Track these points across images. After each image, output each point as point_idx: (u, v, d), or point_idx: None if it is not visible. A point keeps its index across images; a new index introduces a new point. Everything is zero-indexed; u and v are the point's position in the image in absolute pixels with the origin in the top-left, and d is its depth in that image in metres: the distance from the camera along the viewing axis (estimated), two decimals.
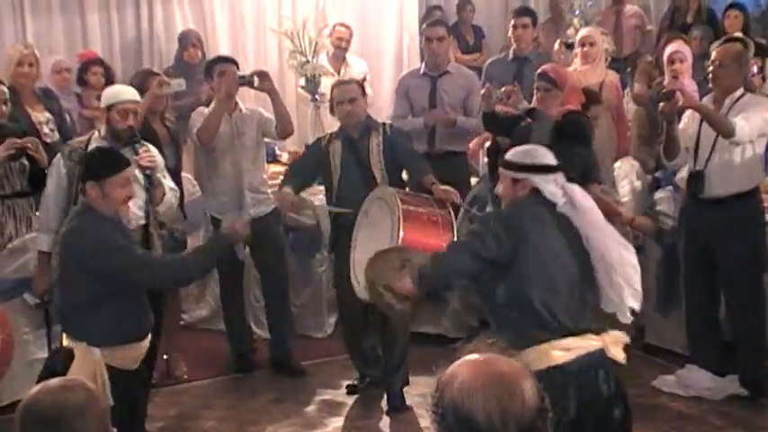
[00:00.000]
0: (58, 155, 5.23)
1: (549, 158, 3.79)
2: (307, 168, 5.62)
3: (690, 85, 5.88)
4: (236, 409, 5.55)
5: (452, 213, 4.91)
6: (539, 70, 5.51)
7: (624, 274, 3.66)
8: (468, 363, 1.89)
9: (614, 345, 3.58)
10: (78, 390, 2.17)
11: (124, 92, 5.27)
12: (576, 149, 4.93)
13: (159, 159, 5.24)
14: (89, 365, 3.91)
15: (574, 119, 5.22)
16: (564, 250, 3.63)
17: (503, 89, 5.75)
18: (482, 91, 5.86)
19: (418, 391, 5.36)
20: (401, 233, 4.57)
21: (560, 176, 3.75)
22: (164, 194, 5.12)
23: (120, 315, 4.02)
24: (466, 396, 1.82)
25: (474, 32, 9.71)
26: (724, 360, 5.56)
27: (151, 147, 5.23)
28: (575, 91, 5.45)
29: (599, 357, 3.56)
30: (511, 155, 3.86)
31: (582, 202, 3.69)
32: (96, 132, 5.27)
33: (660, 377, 5.66)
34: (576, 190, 3.73)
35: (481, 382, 1.83)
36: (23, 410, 2.15)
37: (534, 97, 5.48)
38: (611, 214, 4.59)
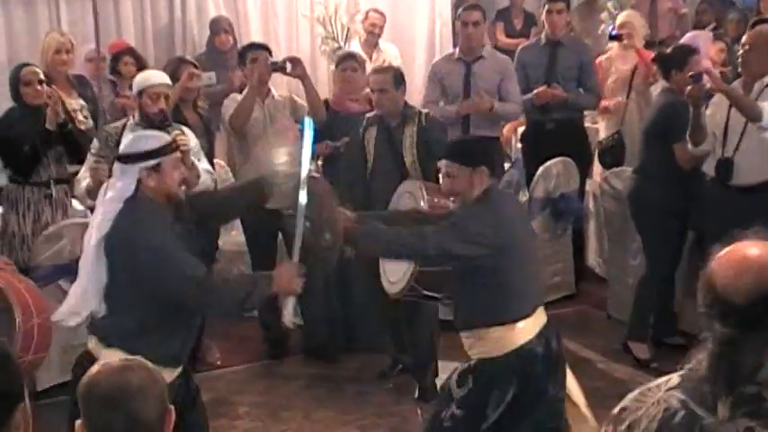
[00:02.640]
0: (95, 139, 5.28)
1: None
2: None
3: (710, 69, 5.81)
4: (268, 395, 5.59)
5: None
6: None
7: None
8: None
9: None
10: (139, 370, 2.21)
11: (154, 76, 5.38)
12: None
13: (194, 142, 5.28)
14: None
15: None
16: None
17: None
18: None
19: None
20: None
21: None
22: (198, 176, 5.14)
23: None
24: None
25: (524, 18, 9.66)
26: None
27: (186, 129, 5.28)
28: None
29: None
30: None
31: None
32: (131, 118, 5.34)
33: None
34: None
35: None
36: (85, 390, 2.19)
37: None
38: None
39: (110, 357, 3.24)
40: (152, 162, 3.62)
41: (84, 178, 5.39)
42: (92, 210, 4.95)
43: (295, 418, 5.27)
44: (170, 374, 3.56)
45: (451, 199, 4.10)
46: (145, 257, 3.51)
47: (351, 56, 6.26)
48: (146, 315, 3.59)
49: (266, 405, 5.48)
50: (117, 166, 3.75)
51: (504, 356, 3.78)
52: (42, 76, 5.69)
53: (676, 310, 6.01)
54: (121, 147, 3.81)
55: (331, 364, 5.97)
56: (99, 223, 3.68)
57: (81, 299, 3.76)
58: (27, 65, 5.80)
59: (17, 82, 5.63)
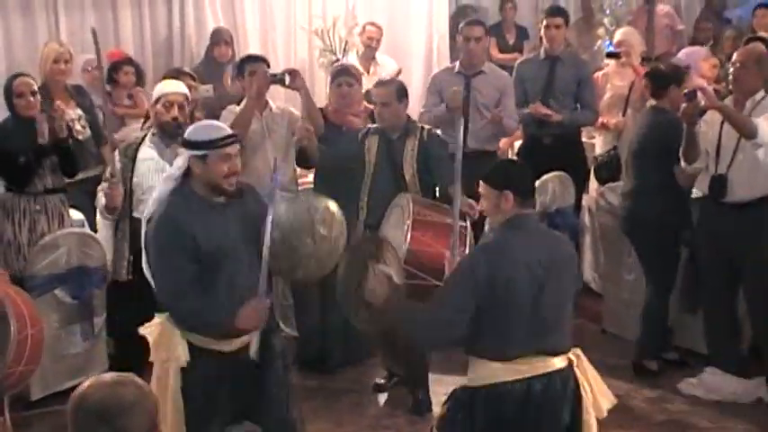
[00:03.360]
0: (115, 151, 5.35)
1: None
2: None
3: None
4: None
5: (468, 225, 4.80)
6: None
7: None
8: None
9: None
10: (130, 385, 2.21)
11: (171, 84, 5.42)
12: None
13: None
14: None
15: None
16: None
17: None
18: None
19: (445, 390, 5.35)
20: (407, 242, 4.56)
21: None
22: None
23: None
24: None
25: (516, 32, 9.70)
26: (744, 363, 5.56)
27: None
28: None
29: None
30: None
31: None
32: (151, 132, 5.36)
33: (685, 380, 5.64)
34: None
35: None
36: (76, 403, 2.19)
37: None
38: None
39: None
40: (199, 152, 3.82)
41: (100, 197, 5.45)
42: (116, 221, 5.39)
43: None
44: (226, 345, 3.88)
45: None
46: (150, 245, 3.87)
47: (346, 70, 6.25)
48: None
49: None
50: (179, 150, 4.13)
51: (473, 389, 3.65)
52: (35, 88, 5.70)
53: (671, 326, 6.03)
54: (185, 133, 4.00)
55: (326, 376, 5.97)
56: (152, 200, 3.98)
57: None
58: (20, 75, 5.80)
59: (10, 93, 5.65)
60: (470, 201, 4.82)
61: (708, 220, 5.51)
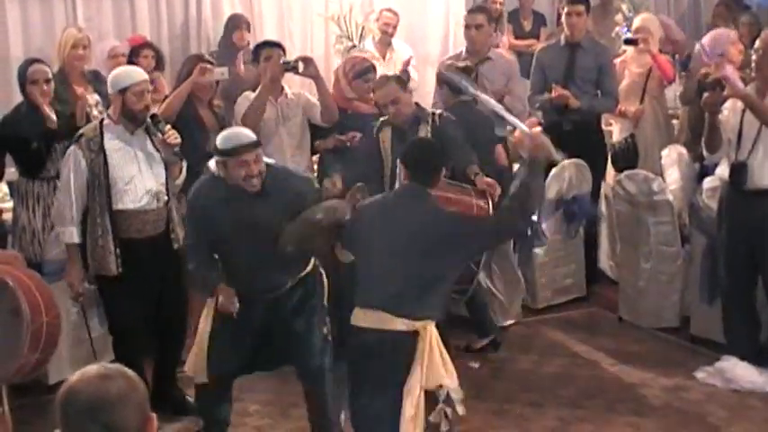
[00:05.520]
0: (73, 146, 5.00)
1: None
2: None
3: (733, 73, 5.74)
4: (278, 393, 5.58)
5: (491, 205, 4.89)
6: None
7: None
8: None
9: None
10: (118, 378, 2.15)
11: (136, 73, 5.16)
12: None
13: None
14: None
15: None
16: None
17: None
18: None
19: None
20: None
21: None
22: (181, 170, 5.15)
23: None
24: None
25: (534, 18, 9.66)
26: (762, 352, 5.53)
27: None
28: None
29: None
30: None
31: None
32: (105, 118, 5.09)
33: (701, 368, 5.61)
34: None
35: None
36: (64, 399, 2.14)
37: None
38: None
39: None
40: (220, 159, 4.36)
41: None
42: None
43: (304, 415, 5.24)
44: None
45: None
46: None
47: (373, 68, 6.22)
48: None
49: (276, 403, 5.48)
50: None
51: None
52: (50, 75, 5.69)
53: (688, 315, 6.00)
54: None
55: (339, 361, 5.96)
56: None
57: None
58: (35, 61, 5.78)
59: (24, 79, 5.63)
60: (491, 180, 4.87)
61: (729, 208, 5.48)
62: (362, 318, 3.98)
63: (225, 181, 4.38)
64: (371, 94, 5.95)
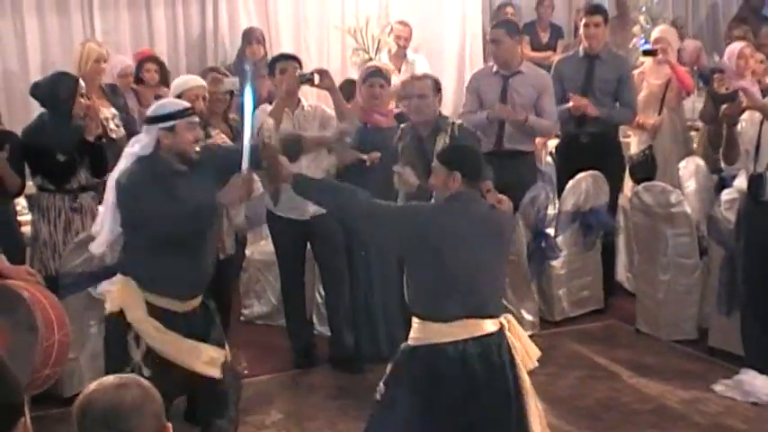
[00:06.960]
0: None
1: None
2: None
3: (752, 85, 5.72)
4: (295, 405, 5.59)
5: None
6: None
7: None
8: None
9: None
10: (134, 387, 2.17)
11: (191, 79, 5.69)
12: None
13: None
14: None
15: None
16: None
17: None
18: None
19: None
20: None
21: None
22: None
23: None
24: None
25: (551, 30, 9.67)
26: None
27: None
28: None
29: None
30: None
31: None
32: None
33: (720, 381, 5.58)
34: None
35: None
36: (80, 409, 2.16)
37: None
38: None
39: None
40: (168, 123, 4.26)
41: None
42: None
43: (321, 429, 5.27)
44: (180, 306, 4.35)
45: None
46: (122, 198, 4.30)
47: (378, 71, 6.24)
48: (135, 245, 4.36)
49: (293, 414, 5.48)
50: (143, 127, 4.43)
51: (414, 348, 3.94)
52: (84, 90, 5.74)
53: (706, 327, 5.97)
54: (147, 111, 4.49)
55: (357, 375, 5.97)
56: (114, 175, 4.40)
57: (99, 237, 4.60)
58: (71, 75, 5.79)
59: (71, 94, 5.56)
60: (501, 195, 4.85)
61: (747, 219, 5.46)
62: (440, 331, 3.84)
63: (151, 160, 4.27)
64: (377, 99, 6.02)
